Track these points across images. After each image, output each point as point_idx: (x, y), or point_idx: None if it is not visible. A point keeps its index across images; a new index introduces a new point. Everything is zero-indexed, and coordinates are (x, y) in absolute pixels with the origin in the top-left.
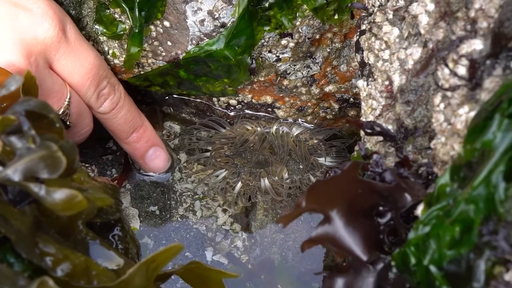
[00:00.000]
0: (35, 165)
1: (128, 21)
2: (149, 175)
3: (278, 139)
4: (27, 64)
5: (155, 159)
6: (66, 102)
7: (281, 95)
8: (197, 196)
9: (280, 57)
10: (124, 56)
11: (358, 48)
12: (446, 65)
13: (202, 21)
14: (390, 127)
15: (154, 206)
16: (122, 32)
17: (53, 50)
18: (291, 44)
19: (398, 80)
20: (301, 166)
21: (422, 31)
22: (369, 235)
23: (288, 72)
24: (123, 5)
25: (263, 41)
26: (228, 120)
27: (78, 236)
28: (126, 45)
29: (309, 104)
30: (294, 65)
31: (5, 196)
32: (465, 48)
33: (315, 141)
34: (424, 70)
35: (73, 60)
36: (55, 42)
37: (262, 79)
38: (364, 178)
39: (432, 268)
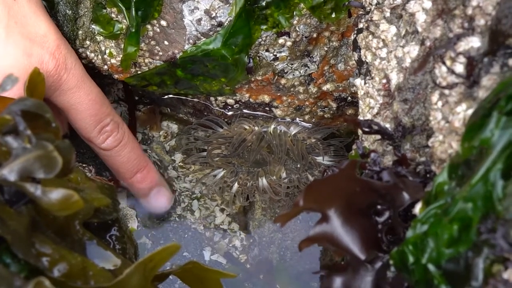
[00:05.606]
0: (31, 165)
1: (125, 21)
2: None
3: (276, 138)
4: None
5: (159, 198)
6: None
7: (278, 94)
8: (195, 195)
9: (277, 56)
10: (121, 55)
11: (356, 47)
12: (444, 63)
13: (199, 20)
14: (387, 125)
15: None
16: (119, 32)
17: (52, 87)
18: (289, 43)
19: (395, 78)
20: (299, 165)
21: (420, 29)
22: (367, 234)
23: (285, 71)
24: (120, 4)
25: (260, 40)
26: (225, 120)
27: (75, 236)
28: (123, 45)
29: (307, 103)
30: (292, 64)
31: (1, 196)
32: (462, 45)
33: (313, 140)
34: (421, 68)
35: (73, 96)
36: (56, 80)
37: (260, 78)
38: (362, 177)
39: (431, 267)
